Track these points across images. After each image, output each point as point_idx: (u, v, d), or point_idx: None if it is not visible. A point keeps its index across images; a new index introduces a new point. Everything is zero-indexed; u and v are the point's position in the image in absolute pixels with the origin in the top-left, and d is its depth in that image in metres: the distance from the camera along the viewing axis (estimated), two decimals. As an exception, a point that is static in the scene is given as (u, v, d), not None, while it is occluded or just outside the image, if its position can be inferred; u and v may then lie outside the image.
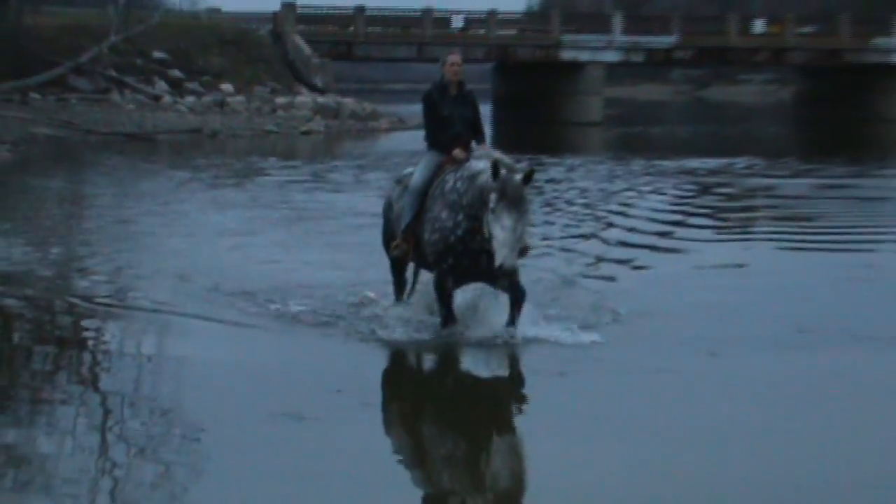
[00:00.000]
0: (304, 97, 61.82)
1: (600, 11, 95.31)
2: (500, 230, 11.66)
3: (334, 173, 37.99)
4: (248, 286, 16.68)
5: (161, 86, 57.92)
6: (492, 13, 75.11)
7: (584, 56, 75.03)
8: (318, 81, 63.80)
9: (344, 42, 69.27)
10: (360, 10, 70.07)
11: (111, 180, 35.64)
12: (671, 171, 39.23)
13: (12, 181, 34.27)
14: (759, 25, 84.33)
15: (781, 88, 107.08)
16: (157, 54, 58.30)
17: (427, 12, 72.59)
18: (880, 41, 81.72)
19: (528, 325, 12.94)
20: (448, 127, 12.92)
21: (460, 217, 12.34)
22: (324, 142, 54.17)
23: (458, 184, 12.47)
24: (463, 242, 12.37)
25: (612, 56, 78.04)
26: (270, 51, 63.92)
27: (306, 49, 64.79)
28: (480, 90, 72.04)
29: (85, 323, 15.18)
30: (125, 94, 56.00)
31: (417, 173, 13.05)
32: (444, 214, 12.50)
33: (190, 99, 58.30)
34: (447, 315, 12.93)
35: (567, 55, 74.20)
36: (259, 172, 37.67)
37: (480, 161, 12.38)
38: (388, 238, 14.00)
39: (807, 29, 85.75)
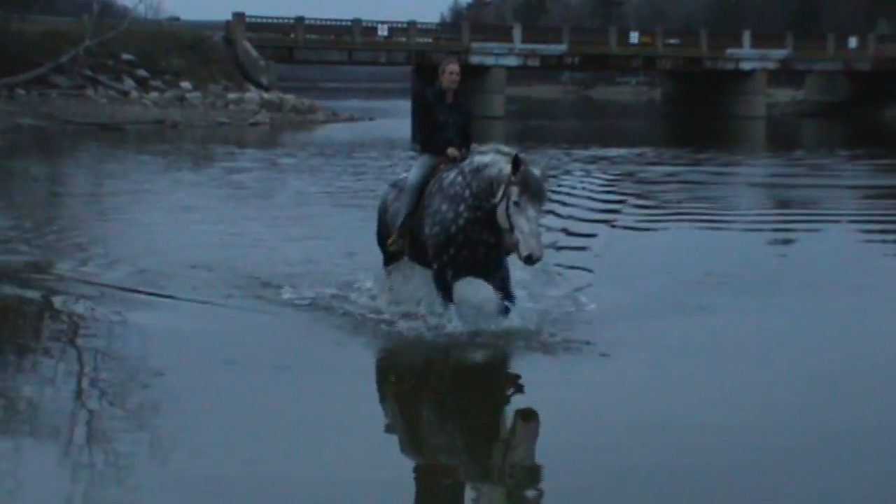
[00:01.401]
0: (252, 93, 62.24)
1: (503, 23, 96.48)
2: (525, 222, 10.89)
3: (284, 158, 38.29)
4: (207, 258, 16.36)
5: (129, 83, 58.49)
6: (411, 24, 76.38)
7: (489, 61, 76.69)
8: (264, 80, 64.31)
9: (286, 47, 69.69)
10: (300, 20, 70.73)
11: (89, 163, 36.29)
12: (588, 158, 39.95)
13: (4, 164, 34.61)
14: (634, 37, 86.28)
15: (652, 89, 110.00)
16: (126, 56, 58.96)
17: (356, 22, 73.23)
18: (733, 51, 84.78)
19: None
20: (443, 132, 12.10)
21: (461, 208, 11.53)
22: (269, 132, 54.06)
23: (460, 178, 11.63)
24: (464, 232, 11.54)
25: (512, 61, 79.44)
26: (223, 54, 64.47)
27: (254, 53, 65.32)
28: (403, 88, 75.93)
29: (57, 286, 14.71)
30: (98, 90, 56.44)
31: (413, 173, 12.21)
32: (444, 207, 11.66)
33: (154, 94, 58.59)
34: (447, 296, 11.96)
35: (475, 60, 75.21)
36: (217, 158, 37.94)
37: (486, 155, 11.55)
38: (382, 237, 13.10)
39: (673, 40, 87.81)
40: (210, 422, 9.16)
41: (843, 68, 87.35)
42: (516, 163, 10.96)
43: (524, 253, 10.83)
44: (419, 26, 78.35)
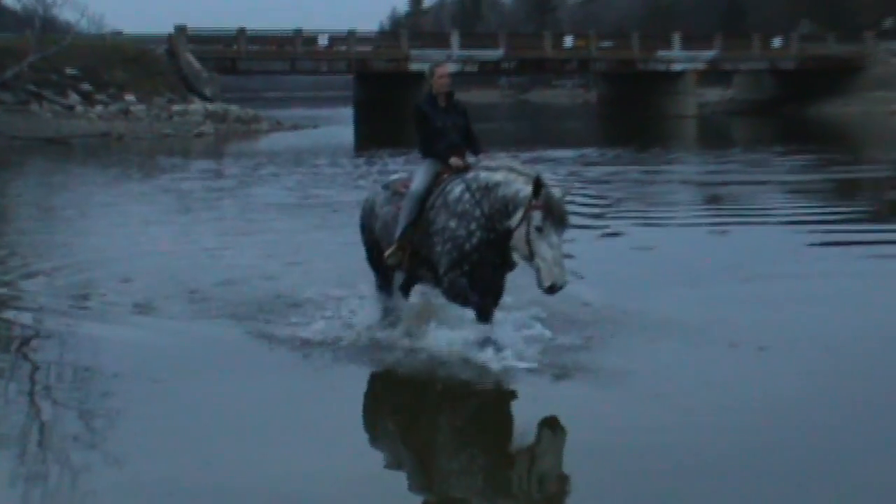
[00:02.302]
0: (196, 105, 61.58)
1: (441, 30, 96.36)
2: (547, 249, 9.97)
3: (231, 168, 37.97)
4: (148, 267, 16.20)
5: (74, 97, 57.46)
6: (351, 33, 76.08)
7: (426, 67, 77.75)
8: (208, 92, 63.77)
9: (229, 58, 69.27)
10: (242, 31, 70.15)
11: (37, 178, 35.32)
12: (534, 160, 38.20)
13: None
14: (568, 41, 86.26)
15: (587, 92, 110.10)
16: (70, 71, 58.04)
17: (298, 32, 73.03)
18: (663, 53, 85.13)
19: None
20: (443, 137, 11.13)
21: (473, 226, 10.54)
22: (214, 142, 53.52)
23: (467, 195, 10.63)
24: (478, 251, 10.55)
25: (451, 67, 78.68)
26: (166, 66, 63.79)
27: (196, 65, 64.86)
28: (345, 96, 75.04)
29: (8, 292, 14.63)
30: (43, 105, 55.34)
31: (417, 180, 11.14)
32: (452, 224, 10.65)
33: (99, 108, 57.76)
34: (473, 301, 10.82)
35: (414, 66, 74.08)
36: (164, 169, 37.06)
37: (497, 173, 10.56)
38: (372, 249, 11.99)
39: (606, 43, 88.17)
40: (163, 428, 9.09)
41: (768, 67, 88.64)
42: (538, 185, 10.03)
43: (547, 283, 9.97)
44: (359, 35, 78.54)
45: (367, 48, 78.47)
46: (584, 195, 26.99)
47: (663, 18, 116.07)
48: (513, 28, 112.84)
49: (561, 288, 10.03)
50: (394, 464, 8.61)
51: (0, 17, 64.84)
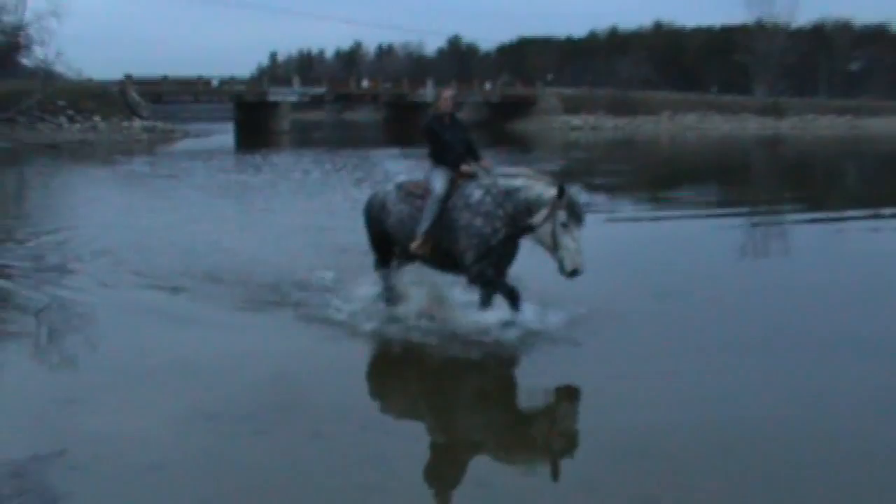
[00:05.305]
0: (137, 123, 60.29)
1: (288, 75, 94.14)
2: (571, 241, 8.08)
3: (165, 161, 36.40)
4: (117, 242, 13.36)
5: (63, 119, 56.38)
6: (233, 77, 75.96)
7: (280, 98, 75.13)
8: (144, 114, 62.22)
9: (157, 93, 67.51)
10: (165, 77, 69.85)
11: (40, 167, 34.00)
12: (354, 156, 37.62)
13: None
14: (365, 82, 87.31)
15: (377, 113, 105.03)
16: (61, 102, 56.79)
17: (200, 77, 72.52)
18: (421, 91, 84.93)
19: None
20: (452, 149, 8.92)
21: (498, 224, 8.46)
22: (148, 145, 51.41)
23: (488, 198, 8.56)
24: (502, 245, 8.50)
25: (294, 98, 77.90)
26: (119, 99, 61.97)
27: (137, 98, 63.19)
28: (228, 117, 74.10)
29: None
30: (45, 124, 54.42)
31: (438, 185, 8.84)
32: (478, 222, 8.52)
33: (77, 125, 56.59)
34: (508, 290, 8.58)
35: (272, 98, 74.43)
36: (122, 163, 35.84)
37: (516, 179, 8.52)
38: (377, 236, 9.50)
39: (388, 84, 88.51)
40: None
41: (484, 101, 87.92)
42: (562, 189, 8.19)
43: (570, 267, 8.09)
44: (237, 80, 77.82)
45: (243, 87, 77.25)
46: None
47: (422, 70, 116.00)
48: (332, 74, 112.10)
49: (581, 273, 8.13)
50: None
51: (17, 70, 63.77)
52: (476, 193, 8.59)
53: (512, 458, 5.72)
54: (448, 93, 9.27)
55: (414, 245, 8.76)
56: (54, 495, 4.84)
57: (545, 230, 8.19)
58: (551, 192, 8.19)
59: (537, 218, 8.23)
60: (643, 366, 7.59)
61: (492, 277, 8.50)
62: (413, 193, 9.07)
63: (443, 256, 8.76)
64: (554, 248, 8.15)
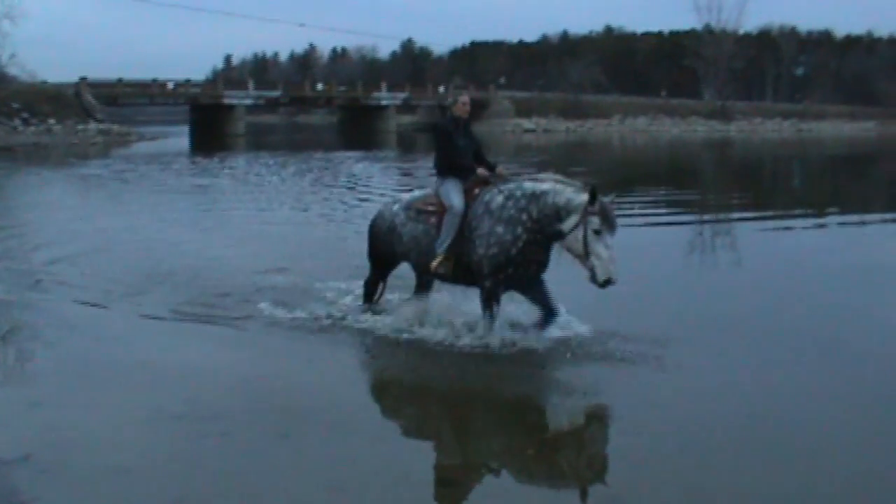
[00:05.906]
0: (92, 125, 60.25)
1: (243, 79, 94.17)
2: (604, 248, 7.47)
3: (119, 164, 36.35)
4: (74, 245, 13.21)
5: (17, 121, 56.15)
6: (188, 80, 75.29)
7: (235, 101, 75.00)
8: (99, 117, 62.11)
9: (113, 96, 67.41)
10: (120, 80, 69.29)
11: (3, 169, 33.06)
12: (320, 159, 37.65)
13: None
14: (319, 86, 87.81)
15: (331, 116, 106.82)
16: (15, 105, 56.68)
17: (155, 80, 71.95)
18: (376, 94, 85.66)
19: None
20: (463, 155, 8.31)
21: (519, 230, 7.80)
22: (103, 148, 51.24)
23: (510, 202, 7.90)
24: (522, 253, 7.81)
25: (249, 101, 77.87)
26: (74, 101, 61.72)
27: (93, 100, 62.98)
28: (184, 119, 73.77)
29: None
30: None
31: (454, 199, 8.12)
32: (499, 229, 7.84)
33: (32, 128, 56.40)
34: (491, 322, 7.94)
35: (227, 101, 74.30)
36: (77, 166, 35.51)
37: (544, 183, 7.86)
38: (378, 256, 8.94)
39: (342, 88, 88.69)
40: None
41: (437, 104, 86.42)
42: (594, 194, 7.60)
43: (603, 277, 7.49)
44: (192, 83, 77.24)
45: (198, 90, 76.96)
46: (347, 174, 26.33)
47: (376, 74, 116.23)
48: (286, 77, 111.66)
49: (615, 282, 7.52)
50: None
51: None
52: (497, 199, 8.02)
53: (481, 456, 5.71)
54: (465, 98, 8.65)
55: (435, 263, 8.17)
56: (21, 500, 4.76)
57: (576, 237, 7.60)
58: (582, 197, 7.66)
59: (567, 224, 7.66)
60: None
61: (496, 299, 7.95)
62: (424, 211, 8.44)
63: (464, 271, 8.14)
64: (585, 256, 7.58)
